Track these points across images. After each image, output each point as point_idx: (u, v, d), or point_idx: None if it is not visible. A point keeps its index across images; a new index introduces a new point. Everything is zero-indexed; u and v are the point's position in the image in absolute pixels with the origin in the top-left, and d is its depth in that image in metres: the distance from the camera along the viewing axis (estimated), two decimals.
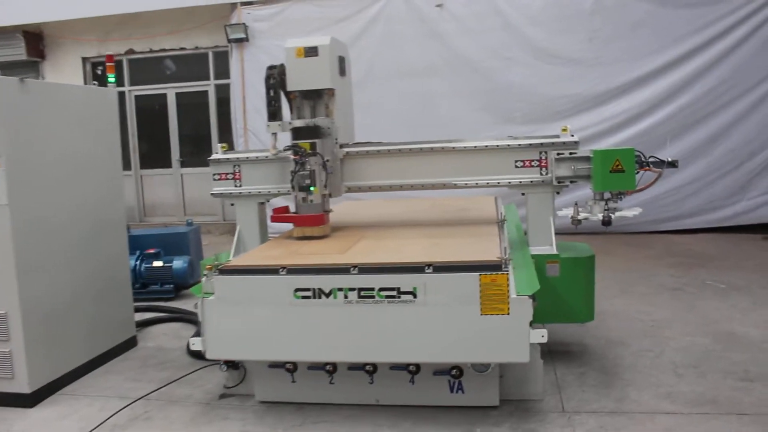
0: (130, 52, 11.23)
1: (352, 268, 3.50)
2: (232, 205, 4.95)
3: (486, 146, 4.43)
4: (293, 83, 4.33)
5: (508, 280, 3.31)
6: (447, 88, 9.56)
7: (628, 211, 4.05)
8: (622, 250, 8.19)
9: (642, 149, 8.72)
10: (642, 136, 8.98)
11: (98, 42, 11.20)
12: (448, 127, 8.77)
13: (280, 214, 4.44)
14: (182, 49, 11.03)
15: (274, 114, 4.34)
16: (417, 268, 3.42)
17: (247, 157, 4.85)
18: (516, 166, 4.39)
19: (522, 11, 9.28)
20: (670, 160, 4.23)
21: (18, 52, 11.07)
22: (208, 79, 11.14)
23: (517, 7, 9.29)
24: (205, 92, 11.21)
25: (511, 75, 9.33)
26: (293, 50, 4.32)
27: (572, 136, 4.36)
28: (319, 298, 3.53)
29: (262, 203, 4.91)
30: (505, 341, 3.35)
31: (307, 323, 3.55)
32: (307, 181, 4.17)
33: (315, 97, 4.38)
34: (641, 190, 4.30)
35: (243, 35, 9.89)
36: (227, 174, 4.88)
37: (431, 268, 3.41)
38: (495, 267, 3.33)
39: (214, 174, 4.91)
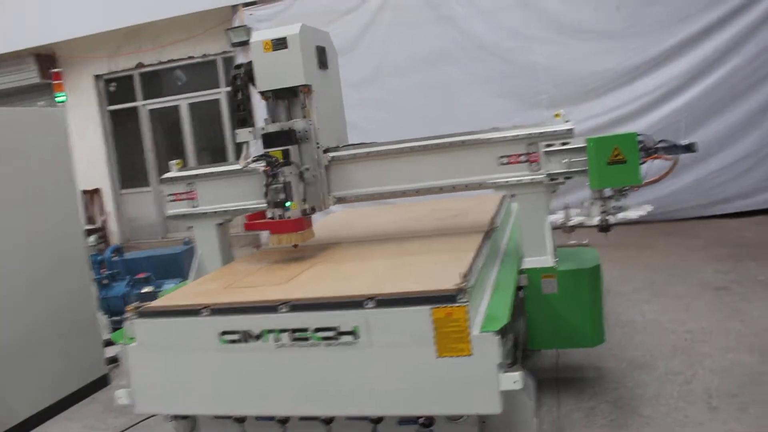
0: (140, 66, 10.98)
1: (281, 306, 2.90)
2: (190, 228, 4.44)
3: (462, 141, 3.74)
4: (263, 82, 3.74)
5: (467, 313, 2.63)
6: (464, 76, 8.82)
7: (634, 211, 3.28)
8: (662, 242, 7.27)
9: (685, 125, 7.80)
10: (683, 110, 8.04)
11: (108, 58, 10.99)
12: (468, 118, 8.00)
13: (254, 221, 3.87)
14: (191, 57, 10.69)
15: (243, 120, 3.79)
16: (356, 303, 2.79)
17: (201, 174, 4.32)
18: (501, 163, 3.68)
19: None
20: (686, 143, 3.43)
21: (31, 75, 11.02)
22: (218, 87, 10.74)
23: None
24: (217, 101, 10.83)
25: (533, 55, 8.51)
26: (260, 44, 3.72)
27: (567, 122, 3.62)
28: (248, 341, 2.95)
29: (222, 224, 4.37)
30: (470, 388, 2.68)
31: (237, 372, 2.99)
32: (282, 196, 3.60)
33: (289, 96, 3.78)
34: (653, 182, 3.52)
35: (246, 38, 9.41)
36: (181, 193, 4.37)
37: (373, 302, 2.77)
38: (449, 298, 2.66)
39: (169, 194, 4.41)
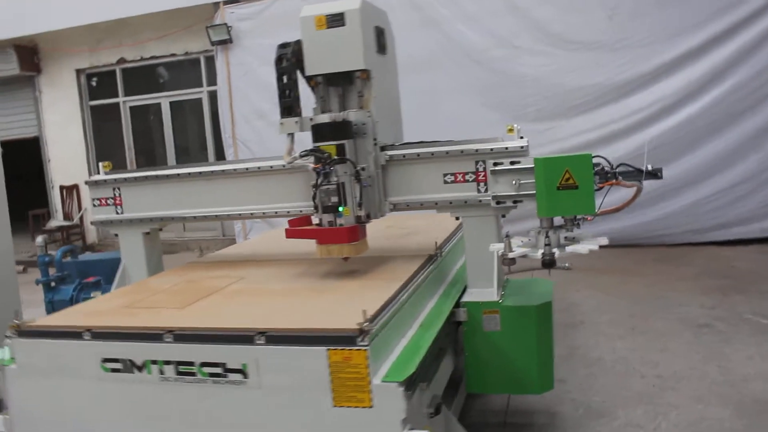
0: (122, 61, 10.66)
1: (165, 334, 2.51)
2: (116, 235, 4.07)
3: (404, 155, 3.34)
4: (313, 65, 3.22)
5: (367, 358, 2.23)
6: (449, 84, 8.42)
7: (586, 244, 2.85)
8: (651, 269, 6.82)
9: (679, 146, 7.36)
10: (678, 130, 7.61)
11: (90, 52, 10.68)
12: (451, 127, 7.58)
13: (297, 228, 3.31)
14: (173, 55, 10.37)
15: (288, 108, 3.25)
16: (246, 338, 2.40)
17: (128, 178, 3.94)
18: (446, 181, 3.28)
19: None
20: (650, 168, 3.02)
21: (10, 67, 10.70)
22: (200, 85, 10.39)
23: None
24: (199, 100, 10.48)
25: (520, 65, 8.10)
26: (311, 20, 3.16)
27: (521, 138, 3.22)
28: (132, 372, 2.57)
29: (149, 233, 3.99)
30: None
31: (119, 404, 2.63)
32: (334, 199, 3.08)
33: (344, 82, 3.26)
34: (610, 211, 3.11)
35: (226, 36, 9.09)
36: (107, 198, 3.99)
37: (263, 337, 2.37)
38: (348, 340, 2.26)
39: (94, 199, 4.03)
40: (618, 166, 3.02)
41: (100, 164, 4.06)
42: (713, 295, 5.66)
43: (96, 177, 4.03)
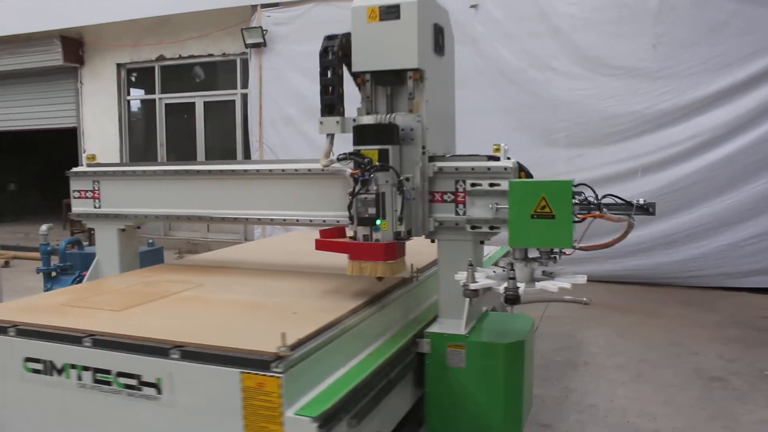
0: (161, 58, 10.77)
1: (85, 338, 2.35)
2: (92, 231, 3.96)
3: (456, 168, 3.05)
4: (361, 60, 2.92)
5: (281, 387, 2.00)
6: (481, 103, 8.10)
7: (557, 282, 2.55)
8: (674, 311, 6.36)
9: (718, 183, 6.90)
10: (717, 166, 7.12)
11: (131, 47, 10.83)
12: (480, 150, 7.34)
13: (328, 240, 3.01)
14: (210, 55, 10.41)
15: (330, 106, 2.96)
16: (161, 350, 2.21)
17: (107, 171, 3.83)
18: (427, 200, 3.03)
19: (571, 13, 7.69)
20: (642, 202, 2.70)
21: (55, 57, 10.94)
22: (235, 87, 10.40)
23: (565, 7, 7.71)
24: (233, 101, 10.49)
25: (555, 88, 7.75)
26: (363, 10, 2.85)
27: (508, 159, 2.95)
28: (51, 374, 2.42)
29: (125, 230, 3.86)
30: None
31: (39, 407, 2.49)
32: (372, 210, 2.75)
33: (394, 82, 2.95)
34: (597, 247, 2.80)
35: (260, 40, 9.05)
36: (87, 191, 3.89)
37: (179, 351, 2.18)
38: (263, 364, 2.04)
39: (74, 191, 3.94)
40: (604, 197, 2.72)
41: (84, 155, 3.98)
42: (735, 346, 5.19)
43: (77, 168, 3.94)
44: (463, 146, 7.16)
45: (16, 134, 13.23)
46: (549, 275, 2.68)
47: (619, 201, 2.71)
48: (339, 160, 2.92)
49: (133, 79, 11.39)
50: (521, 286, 2.49)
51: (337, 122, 2.95)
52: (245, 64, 10.04)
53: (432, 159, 2.96)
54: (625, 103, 7.48)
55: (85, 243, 5.47)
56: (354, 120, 2.97)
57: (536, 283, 2.56)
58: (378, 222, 2.75)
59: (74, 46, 11.15)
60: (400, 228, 2.79)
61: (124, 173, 3.78)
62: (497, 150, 2.95)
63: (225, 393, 2.08)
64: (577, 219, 2.59)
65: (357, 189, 2.77)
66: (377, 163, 2.76)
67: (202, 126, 10.83)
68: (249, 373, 2.04)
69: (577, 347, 5.28)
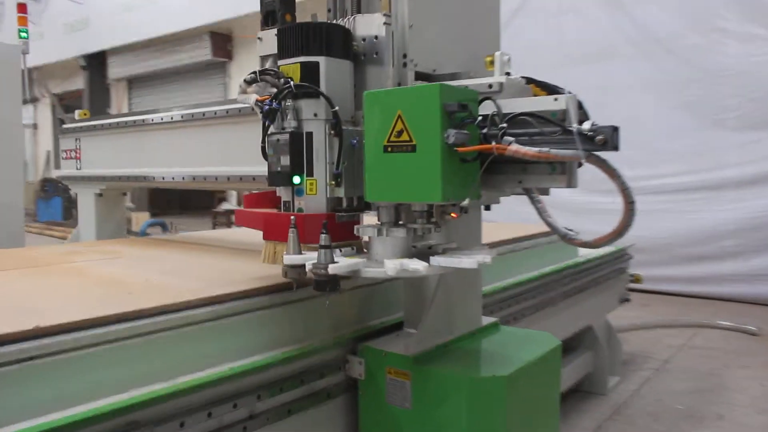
0: None
1: None
2: (75, 194, 3.48)
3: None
4: None
5: None
6: (626, 78, 6.64)
7: (418, 262, 1.42)
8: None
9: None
10: None
11: None
12: (625, 134, 5.91)
13: (247, 209, 2.03)
14: None
15: (271, 14, 2.06)
16: None
17: (86, 126, 3.31)
18: None
19: None
20: (587, 127, 1.43)
21: (204, 53, 11.27)
22: None
23: None
24: None
25: (723, 55, 6.01)
26: None
27: (507, 74, 1.81)
28: None
29: (101, 194, 3.31)
30: None
31: None
32: (285, 160, 1.76)
33: None
34: (609, 239, 1.57)
35: None
36: (71, 150, 3.42)
37: None
38: None
39: (62, 150, 3.49)
40: (517, 115, 1.49)
41: (77, 111, 3.51)
42: None
43: (68, 124, 3.48)
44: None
45: None
46: (426, 250, 1.56)
47: (547, 125, 1.46)
48: (245, 83, 1.97)
49: None
50: (346, 264, 1.40)
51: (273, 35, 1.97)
52: None
53: (424, 78, 1.90)
54: None
55: None
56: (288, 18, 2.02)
57: (390, 262, 1.45)
58: (296, 180, 1.78)
59: (223, 41, 11.41)
60: (338, 191, 1.79)
61: (102, 126, 3.21)
62: (491, 61, 1.81)
63: None
64: (465, 157, 1.43)
65: (267, 124, 1.82)
66: (298, 83, 1.79)
67: None
68: None
69: (716, 393, 3.78)
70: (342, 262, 1.51)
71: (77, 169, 3.36)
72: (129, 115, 3.04)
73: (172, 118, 2.75)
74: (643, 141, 6.06)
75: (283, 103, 1.74)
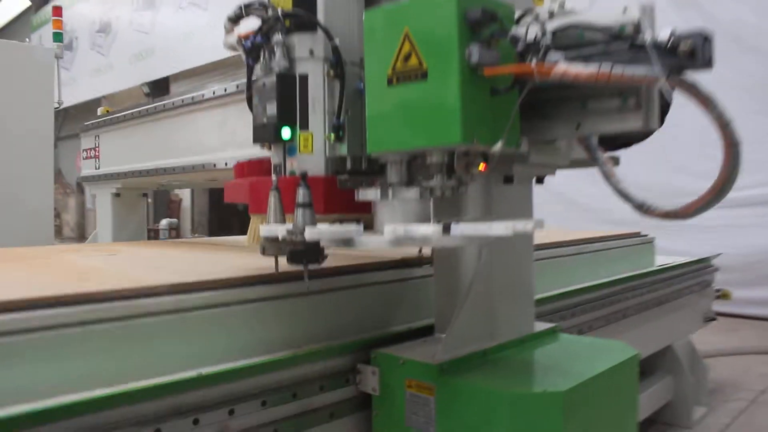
0: None
1: None
2: (94, 196, 3.25)
3: None
4: None
5: None
6: (705, 80, 6.00)
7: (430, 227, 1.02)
8: None
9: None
10: None
11: None
12: (709, 141, 5.26)
13: (234, 180, 1.78)
14: None
15: None
16: None
17: (106, 120, 3.09)
18: None
19: None
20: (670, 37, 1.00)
21: None
22: None
23: None
24: None
25: None
26: None
27: None
28: None
29: (118, 194, 3.07)
30: None
31: None
32: (271, 109, 1.41)
33: None
34: (705, 202, 1.14)
35: None
36: (91, 149, 3.20)
37: None
38: None
39: (83, 150, 3.28)
40: (567, 27, 1.07)
41: (99, 109, 3.30)
42: None
43: (89, 122, 3.28)
44: (674, 140, 5.17)
45: None
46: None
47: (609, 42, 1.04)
48: (228, 20, 1.60)
49: None
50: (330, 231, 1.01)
51: None
52: None
53: None
54: None
55: None
56: None
57: (391, 227, 1.05)
58: (285, 134, 1.42)
59: None
60: (340, 150, 1.42)
61: (126, 118, 2.97)
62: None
63: None
64: (495, 85, 1.02)
65: (252, 68, 1.47)
66: (288, 10, 1.42)
67: None
68: None
69: None
70: (325, 228, 1.14)
71: (96, 168, 3.13)
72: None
73: (192, 99, 2.47)
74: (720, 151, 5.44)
75: (271, 37, 1.39)
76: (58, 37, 4.13)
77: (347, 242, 1.12)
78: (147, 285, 1.27)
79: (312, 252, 1.16)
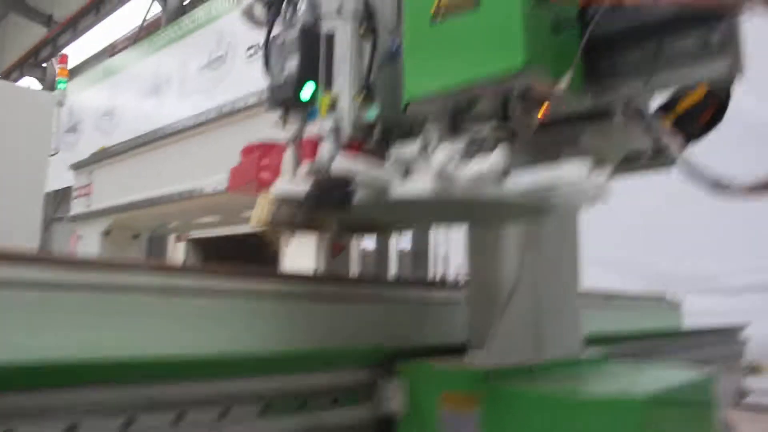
0: None
1: None
2: (80, 237, 3.02)
3: None
4: None
5: None
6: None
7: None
8: None
9: None
10: None
11: None
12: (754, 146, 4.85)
13: (241, 162, 1.42)
14: None
15: None
16: None
17: (98, 157, 2.93)
18: None
19: None
20: None
21: None
22: None
23: None
24: None
25: None
26: None
27: None
28: None
29: (108, 232, 2.85)
30: None
31: None
32: (292, 65, 1.21)
33: None
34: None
35: None
36: (83, 188, 3.02)
37: None
38: None
39: (75, 188, 3.10)
40: None
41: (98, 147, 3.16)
42: None
43: (84, 158, 3.12)
44: (732, 142, 4.69)
45: None
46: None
47: None
48: None
49: None
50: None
51: None
52: None
53: None
54: None
55: None
56: None
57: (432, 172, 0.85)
58: (306, 92, 1.19)
59: None
60: (368, 113, 1.19)
61: (122, 151, 2.80)
62: None
63: None
64: (558, 19, 0.89)
65: (272, 24, 1.29)
66: None
67: None
68: None
69: None
70: (354, 162, 0.92)
71: (86, 207, 2.93)
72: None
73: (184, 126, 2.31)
74: None
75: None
76: (62, 83, 4.06)
77: (378, 186, 0.90)
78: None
79: (338, 192, 0.93)
